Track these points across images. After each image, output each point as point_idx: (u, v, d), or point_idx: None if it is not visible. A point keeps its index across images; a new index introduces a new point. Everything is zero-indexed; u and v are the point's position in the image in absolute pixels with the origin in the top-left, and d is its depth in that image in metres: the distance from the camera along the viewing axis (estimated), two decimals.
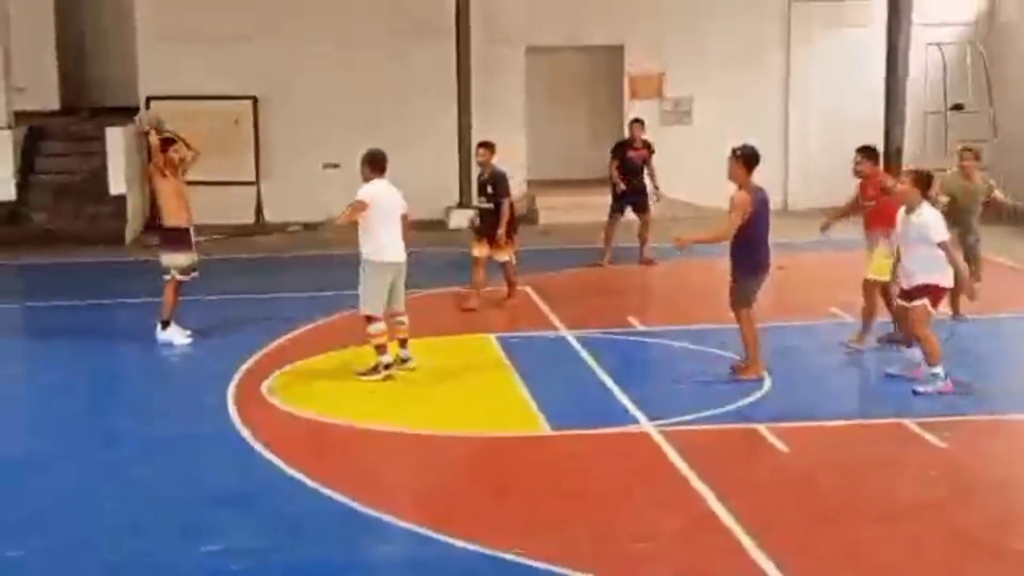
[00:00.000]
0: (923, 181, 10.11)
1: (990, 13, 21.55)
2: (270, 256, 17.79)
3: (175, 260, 12.03)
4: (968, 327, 12.06)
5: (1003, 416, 9.41)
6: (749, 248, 10.34)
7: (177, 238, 12.05)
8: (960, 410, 9.49)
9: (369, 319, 10.59)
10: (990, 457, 8.61)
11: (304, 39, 20.27)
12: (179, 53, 19.78)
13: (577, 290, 14.85)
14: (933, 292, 9.94)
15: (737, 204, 10.29)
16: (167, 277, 12.06)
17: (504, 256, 13.51)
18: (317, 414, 9.66)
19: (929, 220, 9.92)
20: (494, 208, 13.40)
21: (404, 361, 10.81)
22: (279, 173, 20.33)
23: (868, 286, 11.40)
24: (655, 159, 16.72)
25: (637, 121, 16.92)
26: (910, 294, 10.03)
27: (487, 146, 13.84)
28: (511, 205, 13.52)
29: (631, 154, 16.60)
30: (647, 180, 16.61)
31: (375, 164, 10.71)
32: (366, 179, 10.68)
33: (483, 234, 13.50)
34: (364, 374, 10.60)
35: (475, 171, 20.12)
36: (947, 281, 10.01)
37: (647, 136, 16.80)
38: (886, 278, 11.11)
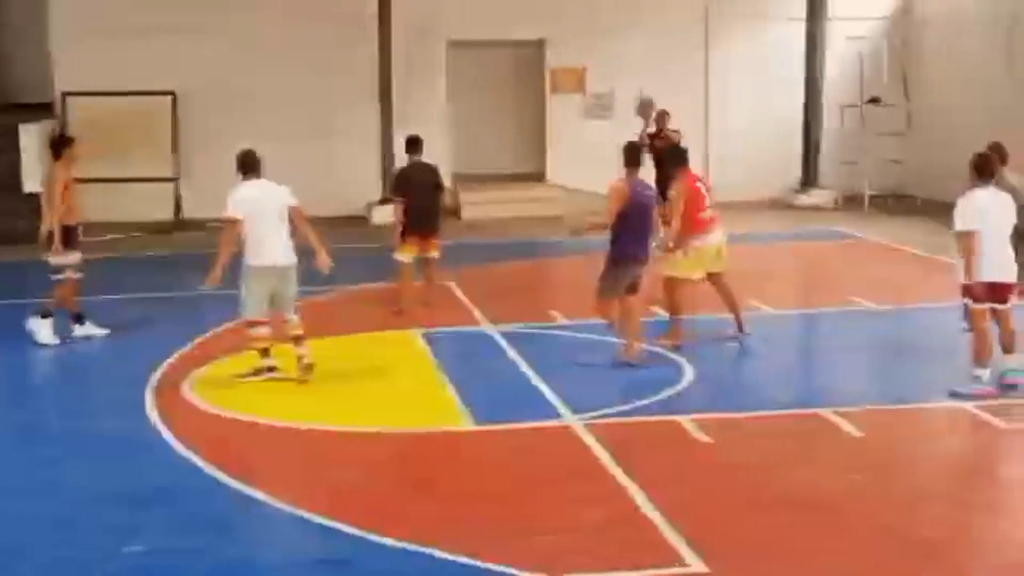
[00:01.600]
0: (975, 162, 9.72)
1: (905, 8, 21.93)
2: (190, 253, 17.57)
3: (66, 259, 11.76)
4: (879, 317, 12.32)
5: (912, 405, 9.58)
6: (617, 239, 10.48)
7: (66, 237, 11.74)
8: (873, 400, 9.65)
9: (250, 324, 10.29)
10: (902, 445, 8.78)
11: (223, 34, 20.06)
12: (95, 49, 19.51)
13: (500, 284, 14.88)
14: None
15: (610, 192, 10.49)
16: (59, 277, 11.81)
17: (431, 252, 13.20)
18: (239, 412, 9.58)
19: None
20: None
21: (301, 358, 10.31)
22: (199, 169, 20.10)
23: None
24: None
25: (664, 112, 16.13)
26: None
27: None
28: (399, 205, 13.03)
29: (659, 144, 16.33)
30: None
31: (245, 165, 10.27)
32: (241, 182, 10.26)
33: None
34: (245, 376, 10.32)
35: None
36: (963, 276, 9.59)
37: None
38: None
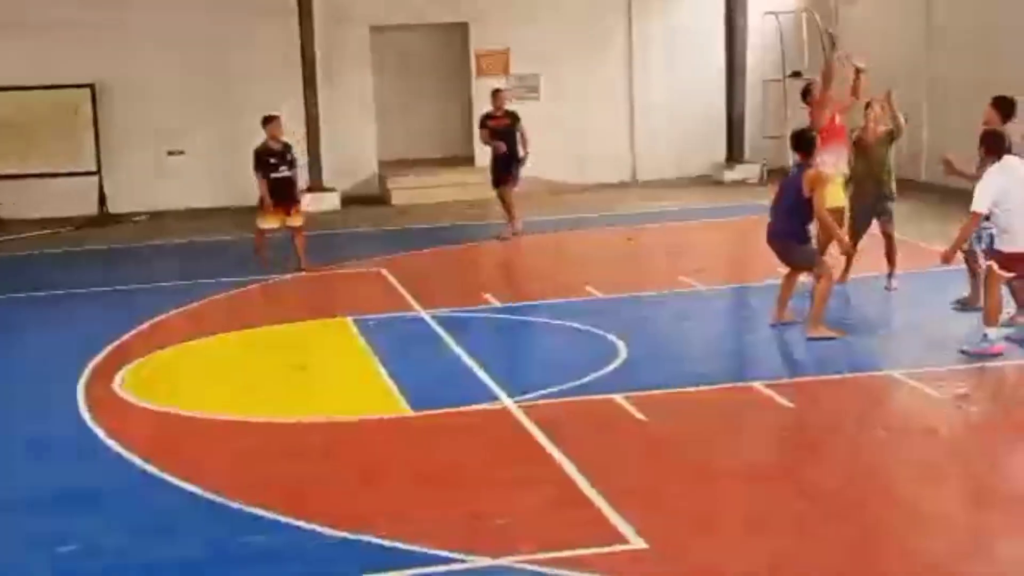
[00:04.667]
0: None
1: None
2: (115, 247, 17.35)
3: None
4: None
5: (842, 375, 9.72)
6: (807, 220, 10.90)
7: None
8: (804, 371, 9.78)
9: None
10: (832, 415, 8.90)
11: (141, 23, 19.79)
12: (9, 42, 19.15)
13: (432, 269, 14.88)
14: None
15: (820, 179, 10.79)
16: None
17: (299, 221, 14.54)
18: (173, 407, 9.48)
19: None
20: (292, 176, 14.57)
21: None
22: (122, 162, 19.86)
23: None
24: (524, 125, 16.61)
25: (498, 91, 16.98)
26: None
27: (278, 117, 14.74)
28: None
29: (492, 124, 16.60)
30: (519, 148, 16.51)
31: None
32: None
33: (285, 202, 14.41)
34: None
35: (325, 152, 20.11)
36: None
37: (509, 106, 16.88)
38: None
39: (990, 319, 9.81)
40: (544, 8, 20.98)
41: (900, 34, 20.04)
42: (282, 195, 14.35)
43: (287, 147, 14.53)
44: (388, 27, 20.83)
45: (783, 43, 21.18)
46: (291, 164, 14.48)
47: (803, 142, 10.88)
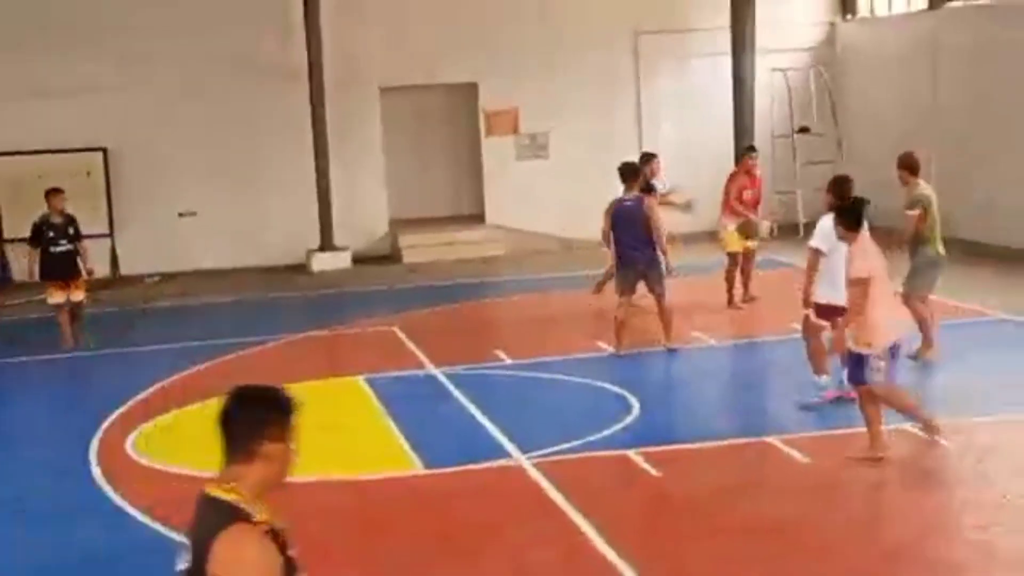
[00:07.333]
0: (834, 186, 10.15)
1: (830, 38, 22.30)
2: (128, 309, 17.39)
3: None
4: None
5: (856, 429, 9.64)
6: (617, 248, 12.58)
7: None
8: (819, 426, 9.74)
9: None
10: (847, 470, 8.84)
11: (152, 87, 19.94)
12: (22, 107, 19.34)
13: (444, 327, 14.87)
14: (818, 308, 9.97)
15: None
16: None
17: (81, 295, 14.16)
18: (185, 468, 9.44)
19: (817, 226, 9.87)
20: (75, 250, 14.05)
21: None
22: (134, 224, 19.95)
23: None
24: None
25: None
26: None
27: (62, 191, 14.28)
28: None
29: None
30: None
31: None
32: None
33: (66, 277, 13.97)
34: None
35: (336, 211, 20.15)
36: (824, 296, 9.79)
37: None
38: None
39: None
40: (553, 67, 21.11)
41: (904, 93, 20.13)
42: (63, 270, 13.98)
43: (70, 220, 14.08)
44: (398, 87, 20.98)
45: (791, 99, 21.30)
46: (72, 238, 14.03)
47: (627, 173, 12.91)
